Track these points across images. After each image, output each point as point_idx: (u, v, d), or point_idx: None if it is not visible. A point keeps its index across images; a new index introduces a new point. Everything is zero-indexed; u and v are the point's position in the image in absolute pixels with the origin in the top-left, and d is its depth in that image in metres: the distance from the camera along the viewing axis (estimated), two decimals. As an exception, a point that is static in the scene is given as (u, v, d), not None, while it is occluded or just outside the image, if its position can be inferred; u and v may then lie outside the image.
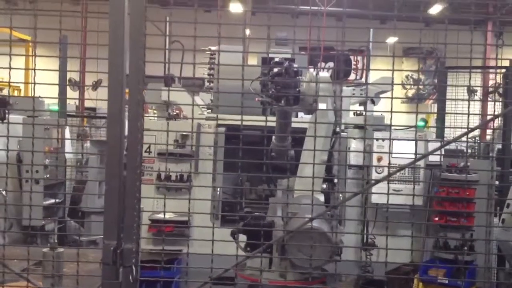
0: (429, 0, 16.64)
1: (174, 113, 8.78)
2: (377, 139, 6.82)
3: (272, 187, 6.29)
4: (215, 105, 7.76)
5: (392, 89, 6.59)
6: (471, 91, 14.54)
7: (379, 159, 6.85)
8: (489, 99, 15.65)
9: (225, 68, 5.69)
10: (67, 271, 2.99)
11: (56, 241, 3.12)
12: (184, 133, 7.03)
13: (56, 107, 8.87)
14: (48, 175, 5.99)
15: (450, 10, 16.64)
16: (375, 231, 6.91)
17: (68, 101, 10.60)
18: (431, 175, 6.93)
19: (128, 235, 2.29)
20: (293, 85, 4.80)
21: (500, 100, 15.68)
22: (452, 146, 8.38)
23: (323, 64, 9.18)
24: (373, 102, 9.50)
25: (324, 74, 5.35)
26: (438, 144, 6.76)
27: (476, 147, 10.99)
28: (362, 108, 9.58)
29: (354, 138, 7.27)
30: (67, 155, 7.01)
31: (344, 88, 9.26)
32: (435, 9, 16.95)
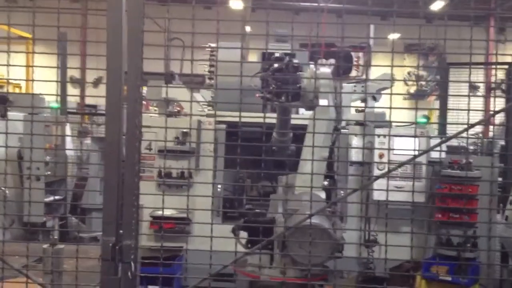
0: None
1: (175, 110, 8.76)
2: (378, 136, 6.79)
3: (273, 183, 6.26)
4: (214, 101, 7.74)
5: (391, 86, 6.60)
6: (473, 87, 14.52)
7: (381, 156, 6.82)
8: (491, 95, 15.62)
9: (225, 65, 5.69)
10: (67, 267, 2.97)
11: (56, 237, 3.09)
12: (185, 130, 7.02)
13: (56, 104, 8.87)
14: (49, 172, 5.97)
15: (451, 6, 16.58)
16: (376, 228, 6.89)
17: (69, 98, 10.59)
18: (433, 171, 6.90)
19: (127, 231, 2.27)
20: (294, 80, 4.76)
21: (504, 96, 15.65)
22: (455, 142, 8.35)
23: (324, 61, 9.11)
24: (374, 99, 9.48)
25: (325, 70, 5.31)
26: (441, 142, 6.75)
27: (479, 144, 10.96)
28: (363, 104, 9.55)
29: (356, 135, 7.24)
30: (68, 152, 7.01)
31: (345, 84, 9.24)
32: (437, 5, 16.91)
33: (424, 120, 11.85)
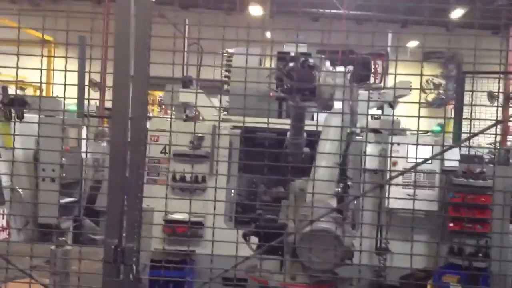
0: (452, 6, 16.50)
1: (193, 115, 8.83)
2: (392, 144, 6.78)
3: (286, 188, 6.28)
4: (228, 107, 7.78)
5: (409, 93, 6.58)
6: (491, 96, 14.36)
7: (394, 164, 6.81)
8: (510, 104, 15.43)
9: (241, 70, 5.72)
10: (75, 268, 3.03)
11: (64, 239, 3.15)
12: (200, 135, 7.07)
13: (75, 107, 9.00)
14: (64, 174, 6.07)
15: (470, 15, 16.47)
16: (389, 235, 6.87)
17: (90, 101, 10.71)
18: (446, 180, 6.87)
19: (129, 234, 2.32)
20: (309, 78, 4.70)
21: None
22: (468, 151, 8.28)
23: (342, 68, 9.10)
24: (391, 106, 9.44)
25: (341, 69, 5.25)
26: (455, 150, 6.72)
27: (496, 153, 10.85)
28: (379, 112, 9.52)
29: (369, 142, 7.23)
30: (83, 155, 7.09)
31: (361, 92, 9.21)
32: (456, 13, 16.81)
33: (438, 128, 11.77)
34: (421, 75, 3.35)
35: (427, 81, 20.45)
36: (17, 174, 4.97)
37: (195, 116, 8.31)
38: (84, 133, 7.07)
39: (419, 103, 3.62)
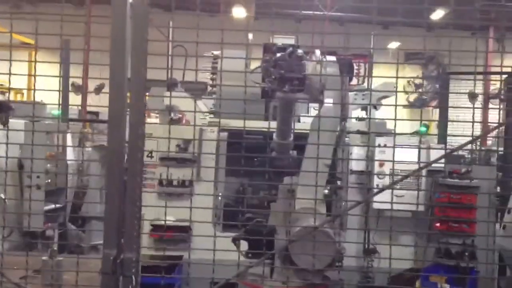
0: (432, 7, 16.64)
1: (176, 117, 8.77)
2: (379, 146, 6.81)
3: (274, 190, 6.21)
4: (215, 111, 7.73)
5: (395, 95, 6.60)
6: (472, 96, 14.50)
7: (381, 165, 6.84)
8: (490, 105, 15.62)
9: (228, 73, 5.67)
10: (67, 278, 2.97)
11: (55, 249, 3.09)
12: (187, 138, 7.01)
13: (57, 111, 8.85)
14: (49, 180, 5.97)
15: (451, 16, 16.61)
16: (376, 237, 6.89)
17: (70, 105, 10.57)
18: (433, 181, 6.91)
19: (128, 244, 2.26)
20: (298, 68, 4.52)
21: (501, 107, 15.66)
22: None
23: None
24: (375, 108, 9.48)
25: (332, 58, 5.04)
26: (440, 151, 6.76)
27: (477, 153, 10.96)
28: (363, 113, 9.55)
29: (355, 145, 7.24)
30: (68, 161, 6.99)
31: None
32: (437, 15, 16.92)
33: (424, 129, 11.84)
34: (402, 77, 3.35)
35: (408, 82, 20.61)
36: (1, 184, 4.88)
37: (181, 119, 8.26)
38: (69, 139, 6.98)
39: (395, 105, 3.59)
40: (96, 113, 15.07)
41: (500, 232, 6.55)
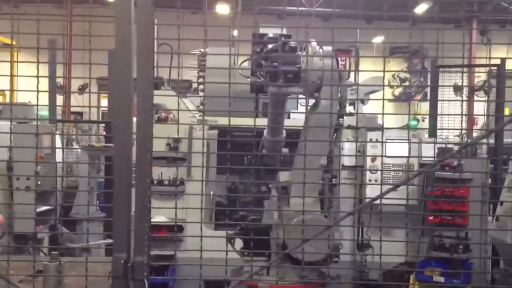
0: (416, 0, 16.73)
1: (164, 116, 8.70)
2: (371, 140, 6.80)
3: (264, 186, 6.13)
4: (202, 110, 7.65)
5: (382, 89, 6.58)
6: (457, 89, 14.61)
7: (373, 160, 6.83)
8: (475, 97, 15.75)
9: (216, 70, 5.57)
10: (67, 282, 2.90)
11: (56, 252, 3.00)
12: (176, 136, 6.95)
13: (43, 112, 8.73)
14: (39, 182, 5.88)
15: (434, 9, 16.70)
16: (370, 231, 6.88)
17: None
18: (425, 174, 6.91)
19: (138, 247, 2.19)
20: (292, 60, 4.25)
21: (485, 99, 15.81)
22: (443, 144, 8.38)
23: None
24: (362, 102, 9.49)
25: (328, 48, 4.63)
26: (431, 144, 6.77)
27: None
28: (351, 108, 9.55)
29: (347, 140, 7.21)
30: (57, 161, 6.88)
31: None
32: (421, 8, 17.02)
33: (415, 122, 11.89)
34: (388, 70, 3.33)
35: (393, 76, 20.71)
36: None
37: (168, 118, 8.18)
38: (58, 140, 6.88)
39: (381, 99, 3.53)
40: (80, 114, 14.95)
41: (493, 224, 6.57)
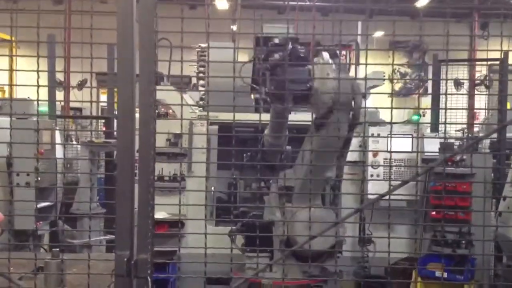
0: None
1: (164, 112, 8.65)
2: (373, 136, 6.77)
3: (266, 183, 6.08)
4: (202, 105, 7.61)
5: (382, 83, 6.55)
6: (457, 83, 14.57)
7: (375, 155, 6.80)
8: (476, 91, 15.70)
9: (215, 65, 5.51)
10: (68, 278, 2.86)
11: (58, 249, 2.97)
12: (177, 132, 6.91)
13: (43, 108, 8.69)
14: (39, 178, 5.85)
15: (435, 3, 16.65)
16: (371, 226, 6.86)
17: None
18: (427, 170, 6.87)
19: (142, 244, 2.15)
20: (301, 76, 3.70)
21: (486, 92, 15.77)
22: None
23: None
24: (364, 97, 9.42)
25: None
26: (435, 139, 6.73)
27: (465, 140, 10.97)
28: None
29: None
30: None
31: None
32: (421, 2, 16.97)
33: (417, 117, 11.84)
34: (393, 64, 3.28)
35: (393, 71, 20.67)
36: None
37: (168, 113, 8.14)
38: (58, 136, 6.83)
39: (387, 93, 3.51)
40: (80, 110, 14.87)
41: (495, 219, 6.54)
